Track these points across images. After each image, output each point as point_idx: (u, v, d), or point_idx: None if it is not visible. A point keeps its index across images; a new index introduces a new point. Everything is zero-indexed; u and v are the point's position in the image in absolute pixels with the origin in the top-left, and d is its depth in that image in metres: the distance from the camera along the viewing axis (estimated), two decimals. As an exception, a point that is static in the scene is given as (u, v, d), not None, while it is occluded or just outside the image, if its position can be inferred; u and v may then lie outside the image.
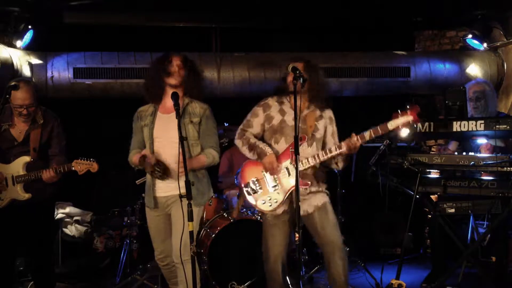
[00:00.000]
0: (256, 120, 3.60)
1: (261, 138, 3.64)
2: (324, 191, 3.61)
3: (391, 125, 3.36)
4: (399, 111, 3.37)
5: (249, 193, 3.57)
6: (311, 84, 3.44)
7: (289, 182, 3.48)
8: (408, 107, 3.36)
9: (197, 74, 3.61)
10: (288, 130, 3.50)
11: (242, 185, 3.61)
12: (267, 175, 3.53)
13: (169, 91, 3.44)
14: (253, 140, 3.55)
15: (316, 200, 3.53)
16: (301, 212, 3.47)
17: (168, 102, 3.47)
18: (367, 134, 3.37)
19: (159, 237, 3.61)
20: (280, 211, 3.53)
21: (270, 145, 3.54)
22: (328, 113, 3.62)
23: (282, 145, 3.52)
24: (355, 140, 3.36)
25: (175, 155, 3.25)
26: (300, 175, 3.43)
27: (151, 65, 3.68)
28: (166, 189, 3.48)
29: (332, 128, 3.61)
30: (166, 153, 3.43)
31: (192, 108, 3.53)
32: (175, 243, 3.35)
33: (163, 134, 3.47)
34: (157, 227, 3.60)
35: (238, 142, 3.62)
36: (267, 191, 3.52)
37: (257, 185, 3.54)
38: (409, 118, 3.33)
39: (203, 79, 3.72)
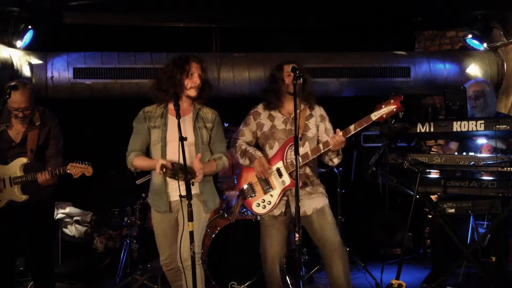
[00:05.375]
0: (247, 129, 3.70)
1: (256, 145, 3.73)
2: (323, 193, 3.63)
3: (374, 116, 3.39)
4: (382, 101, 3.39)
5: (245, 198, 3.65)
6: (307, 85, 3.50)
7: (281, 183, 3.53)
8: (391, 96, 3.39)
9: (207, 78, 3.52)
10: (280, 134, 3.59)
11: (239, 191, 3.70)
12: (260, 178, 3.58)
13: (183, 96, 3.42)
14: (244, 146, 3.64)
15: (315, 203, 3.55)
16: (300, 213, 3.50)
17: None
18: (352, 128, 3.42)
19: (166, 242, 3.51)
20: (277, 212, 3.55)
21: (264, 151, 3.63)
22: (319, 111, 3.67)
23: (276, 149, 3.58)
24: (340, 135, 3.40)
25: (189, 158, 3.24)
26: (292, 175, 3.47)
27: (167, 65, 3.45)
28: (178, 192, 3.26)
29: (324, 125, 3.65)
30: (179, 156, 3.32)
31: (204, 114, 3.50)
32: (181, 246, 3.26)
33: (177, 137, 3.24)
34: (165, 232, 3.50)
35: (232, 150, 3.71)
36: (261, 194, 3.59)
37: (252, 189, 3.63)
38: (392, 107, 3.35)
39: (210, 81, 3.59)
